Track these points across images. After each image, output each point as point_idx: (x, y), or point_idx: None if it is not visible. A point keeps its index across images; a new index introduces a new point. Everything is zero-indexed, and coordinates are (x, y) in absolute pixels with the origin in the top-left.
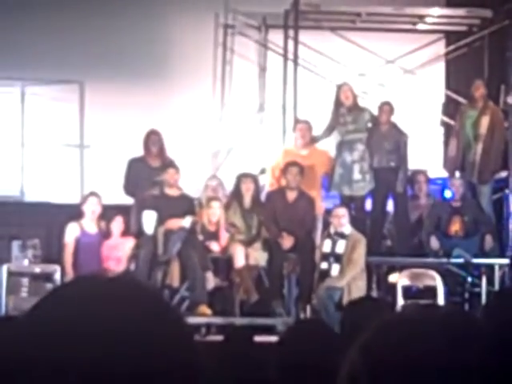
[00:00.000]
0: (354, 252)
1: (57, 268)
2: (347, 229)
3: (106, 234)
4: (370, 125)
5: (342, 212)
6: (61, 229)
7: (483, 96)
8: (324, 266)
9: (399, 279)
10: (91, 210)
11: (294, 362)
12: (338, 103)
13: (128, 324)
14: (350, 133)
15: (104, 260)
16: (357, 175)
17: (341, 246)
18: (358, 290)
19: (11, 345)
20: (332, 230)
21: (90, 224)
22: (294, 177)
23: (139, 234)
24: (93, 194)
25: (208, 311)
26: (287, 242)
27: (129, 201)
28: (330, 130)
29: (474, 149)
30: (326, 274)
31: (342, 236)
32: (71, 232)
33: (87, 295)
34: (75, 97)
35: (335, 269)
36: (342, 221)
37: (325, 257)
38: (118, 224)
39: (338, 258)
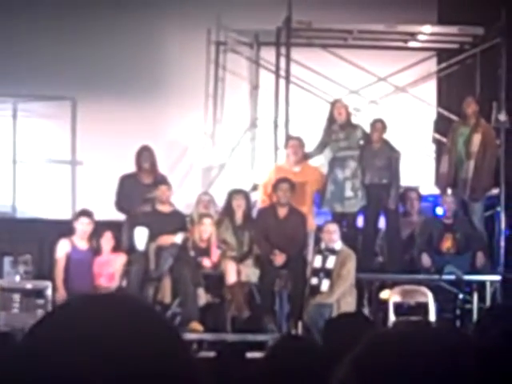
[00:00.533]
0: (343, 268)
1: (48, 284)
2: (338, 245)
3: (96, 251)
4: (362, 142)
5: (333, 228)
6: (52, 245)
7: (475, 113)
8: (314, 281)
9: (391, 296)
10: (82, 229)
11: (281, 378)
12: (331, 119)
13: (128, 344)
14: (342, 150)
15: (95, 276)
16: (348, 192)
17: (331, 262)
18: (348, 305)
19: (11, 366)
20: (323, 246)
21: (80, 241)
22: (285, 193)
23: (131, 250)
24: (84, 213)
25: (200, 327)
26: (279, 258)
27: (120, 217)
28: (322, 146)
29: (465, 166)
30: (316, 289)
31: (333, 252)
32: (62, 248)
33: (86, 316)
34: (67, 113)
35: (325, 284)
36: (333, 237)
37: (315, 272)
38: (107, 240)
39: (328, 274)
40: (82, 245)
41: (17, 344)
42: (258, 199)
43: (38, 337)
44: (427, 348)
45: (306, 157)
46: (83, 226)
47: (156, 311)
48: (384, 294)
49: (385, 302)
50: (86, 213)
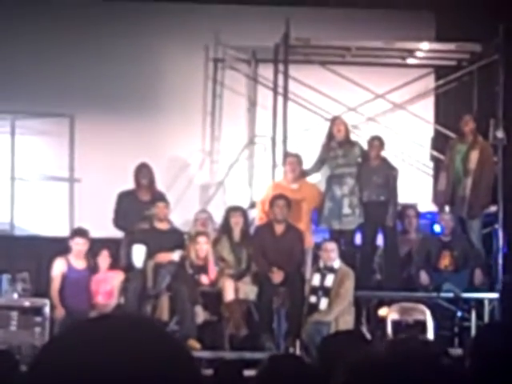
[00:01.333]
0: (341, 286)
1: (46, 302)
2: (336, 263)
3: (93, 269)
4: (360, 160)
5: (331, 247)
6: (50, 262)
7: (472, 131)
8: (313, 299)
9: (389, 313)
10: (77, 249)
11: None
12: (330, 136)
13: (140, 368)
14: (340, 167)
15: (93, 294)
16: (346, 209)
17: (330, 280)
18: (346, 324)
19: None
20: (321, 264)
21: (76, 260)
22: (281, 209)
23: (129, 267)
24: (79, 233)
25: (197, 345)
26: (277, 276)
27: (118, 234)
28: (320, 163)
29: (463, 183)
30: (314, 307)
31: (331, 270)
32: (58, 267)
33: (93, 339)
34: (65, 130)
35: (324, 303)
36: (331, 255)
37: (314, 290)
38: (104, 258)
39: (326, 292)
40: (78, 263)
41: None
42: (256, 216)
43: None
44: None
45: (304, 174)
46: (78, 246)
47: (168, 333)
48: (382, 312)
49: (383, 320)
50: (80, 233)
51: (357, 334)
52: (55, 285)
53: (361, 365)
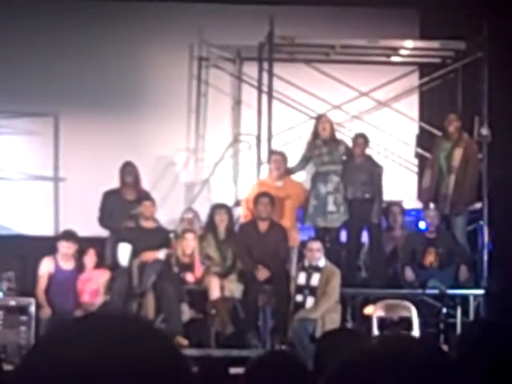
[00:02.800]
0: (328, 285)
1: (32, 301)
2: (322, 262)
3: (79, 268)
4: (345, 157)
5: (317, 246)
6: (35, 261)
7: (457, 129)
8: (299, 298)
9: (374, 311)
10: (64, 252)
11: None
12: (316, 134)
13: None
14: (325, 164)
15: (79, 293)
16: (331, 207)
17: (315, 279)
18: (332, 322)
19: None
20: (306, 263)
21: (64, 260)
22: (265, 207)
23: (114, 266)
24: (65, 236)
25: (184, 342)
26: (262, 273)
27: (103, 233)
28: (305, 161)
29: (446, 181)
30: (300, 306)
31: (317, 269)
32: (45, 267)
33: (81, 338)
34: (50, 130)
35: (310, 301)
36: (317, 254)
37: (300, 289)
38: (90, 257)
39: (312, 291)
40: (66, 264)
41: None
42: (241, 214)
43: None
44: (400, 370)
45: (289, 172)
46: (64, 249)
47: (156, 329)
48: (368, 310)
49: (368, 317)
50: (66, 236)
51: (351, 333)
52: (41, 284)
53: (352, 359)
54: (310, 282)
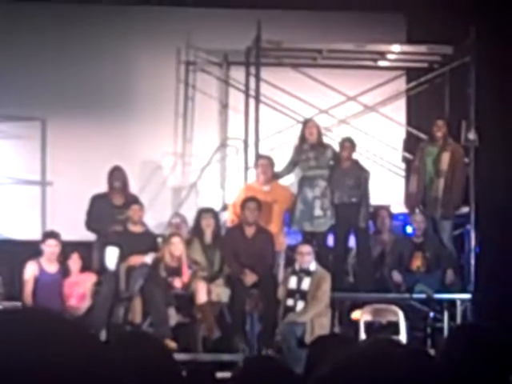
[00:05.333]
0: (318, 289)
1: (19, 305)
2: (312, 266)
3: (65, 272)
4: (332, 162)
5: (307, 249)
6: (23, 266)
7: (444, 133)
8: (290, 302)
9: (362, 315)
10: (50, 251)
11: None
12: (303, 139)
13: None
14: (312, 169)
15: (66, 297)
16: (318, 211)
17: (306, 283)
18: (322, 327)
19: None
20: (297, 267)
21: (48, 263)
22: (252, 212)
23: (101, 270)
24: (51, 235)
25: (173, 344)
26: (250, 278)
27: (90, 237)
28: (292, 165)
29: (436, 184)
30: (291, 310)
31: (308, 273)
32: (30, 271)
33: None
34: (37, 134)
35: (300, 306)
36: (307, 258)
37: (290, 293)
38: (74, 261)
39: (303, 295)
40: (50, 267)
41: None
42: (228, 219)
43: None
44: (391, 374)
45: (276, 176)
46: (50, 248)
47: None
48: (355, 315)
49: (356, 321)
50: (52, 234)
51: (342, 338)
52: (28, 289)
53: (342, 363)
54: (300, 286)
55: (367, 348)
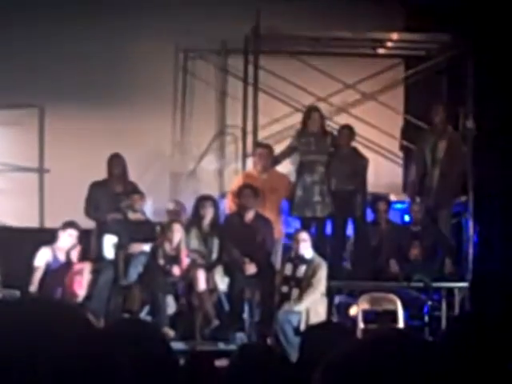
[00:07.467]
0: (314, 277)
1: (16, 293)
2: (309, 253)
3: (68, 260)
4: (332, 149)
5: (304, 236)
6: (20, 253)
7: (442, 121)
8: (285, 289)
9: (359, 304)
10: (68, 240)
11: None
12: (305, 125)
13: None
14: (312, 153)
15: (68, 286)
16: (317, 197)
17: (301, 271)
18: (317, 315)
19: None
20: (293, 254)
21: (61, 251)
22: (248, 199)
23: (99, 258)
24: (72, 225)
25: (171, 332)
26: (250, 268)
27: (88, 225)
28: (291, 149)
29: (430, 173)
30: (286, 297)
31: (303, 260)
32: (43, 257)
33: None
34: (35, 121)
35: (295, 293)
36: (304, 245)
37: (286, 280)
38: (75, 250)
39: (298, 282)
40: (61, 255)
41: None
42: (226, 206)
43: None
44: (397, 359)
45: (275, 161)
46: (71, 238)
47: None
48: (353, 311)
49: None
50: (73, 224)
51: (337, 326)
52: (37, 275)
53: (354, 351)
54: (296, 273)
55: (379, 337)
